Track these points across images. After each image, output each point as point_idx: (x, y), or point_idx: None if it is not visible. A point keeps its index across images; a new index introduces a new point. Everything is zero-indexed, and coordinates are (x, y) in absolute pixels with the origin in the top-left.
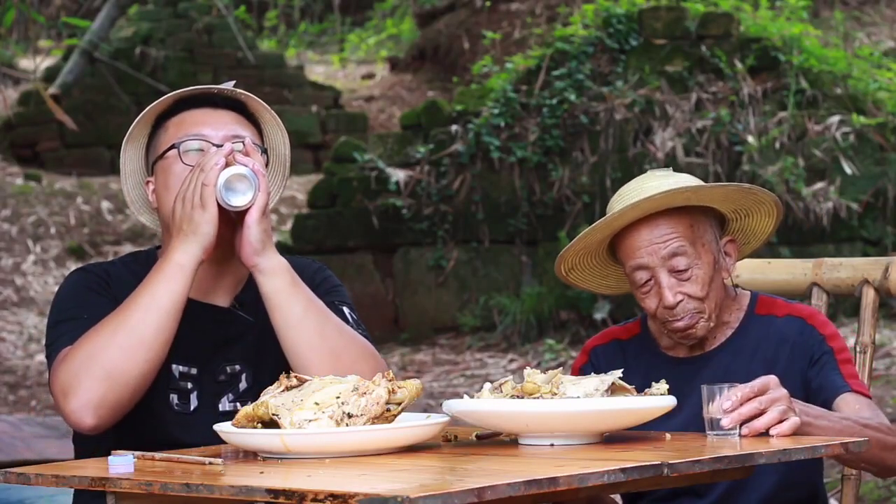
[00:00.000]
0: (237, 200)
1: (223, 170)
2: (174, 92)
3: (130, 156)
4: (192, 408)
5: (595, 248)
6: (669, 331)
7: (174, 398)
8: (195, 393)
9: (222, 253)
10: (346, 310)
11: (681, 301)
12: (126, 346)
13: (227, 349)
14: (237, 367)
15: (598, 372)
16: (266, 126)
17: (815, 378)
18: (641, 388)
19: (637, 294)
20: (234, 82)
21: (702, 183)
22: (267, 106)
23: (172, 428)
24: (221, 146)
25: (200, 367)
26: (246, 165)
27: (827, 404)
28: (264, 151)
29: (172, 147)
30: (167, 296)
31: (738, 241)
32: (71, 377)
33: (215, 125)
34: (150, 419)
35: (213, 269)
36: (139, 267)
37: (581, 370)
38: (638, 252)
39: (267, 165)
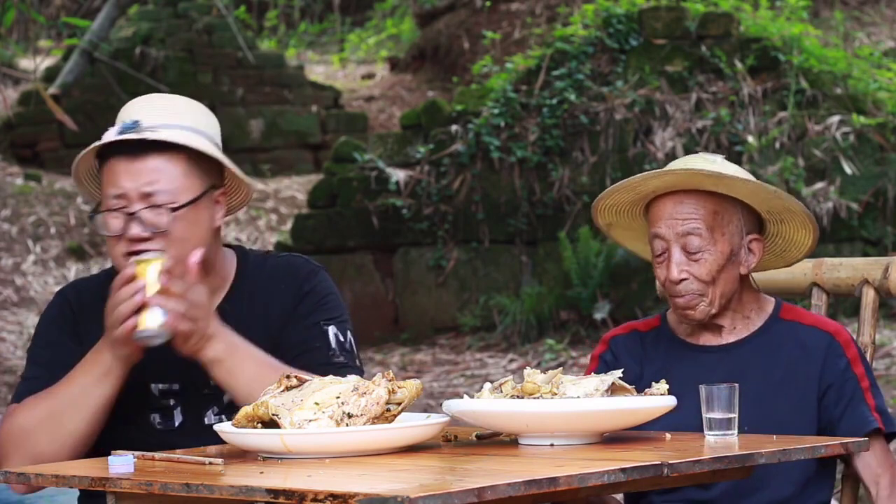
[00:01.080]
0: (155, 342)
1: (136, 329)
2: (92, 145)
3: (85, 186)
4: (176, 423)
5: (627, 209)
6: (673, 307)
7: (155, 418)
8: (179, 408)
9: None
10: (330, 330)
11: (685, 279)
12: (54, 437)
13: None
14: None
15: (616, 360)
16: (208, 149)
17: (840, 407)
18: (660, 373)
19: (653, 262)
20: (137, 122)
21: (740, 175)
22: (186, 140)
23: (157, 446)
24: (133, 213)
25: (182, 381)
26: (159, 307)
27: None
28: (176, 209)
29: (94, 214)
30: (99, 397)
31: (778, 247)
32: (3, 447)
33: (134, 176)
34: (133, 440)
35: None
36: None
37: (601, 358)
38: (659, 222)
39: (215, 186)
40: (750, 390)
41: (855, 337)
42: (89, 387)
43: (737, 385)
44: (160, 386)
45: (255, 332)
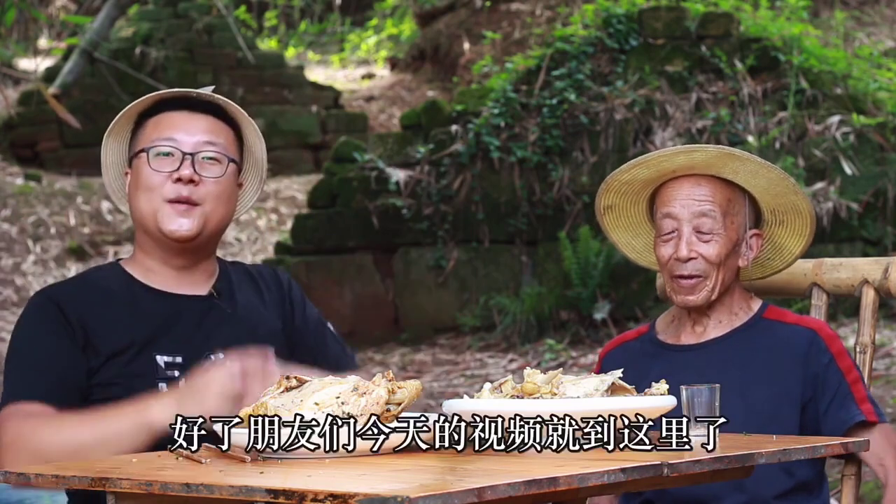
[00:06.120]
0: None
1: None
2: (155, 93)
3: (112, 148)
4: None
5: (638, 190)
6: (674, 289)
7: (163, 387)
8: (182, 381)
9: (194, 252)
10: (330, 327)
11: (693, 258)
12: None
13: (210, 337)
14: (220, 354)
15: None
16: (245, 129)
17: (825, 402)
18: (644, 379)
19: (657, 242)
20: (213, 87)
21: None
22: (243, 112)
23: None
24: (191, 154)
25: (185, 354)
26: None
27: (838, 431)
28: (232, 161)
29: (143, 150)
30: (127, 446)
31: (764, 255)
32: (15, 456)
33: (189, 130)
34: None
35: (189, 266)
36: (104, 283)
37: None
38: (673, 202)
39: (241, 169)
40: (729, 383)
41: (855, 337)
42: (124, 437)
43: (718, 385)
44: (165, 358)
45: (257, 315)
